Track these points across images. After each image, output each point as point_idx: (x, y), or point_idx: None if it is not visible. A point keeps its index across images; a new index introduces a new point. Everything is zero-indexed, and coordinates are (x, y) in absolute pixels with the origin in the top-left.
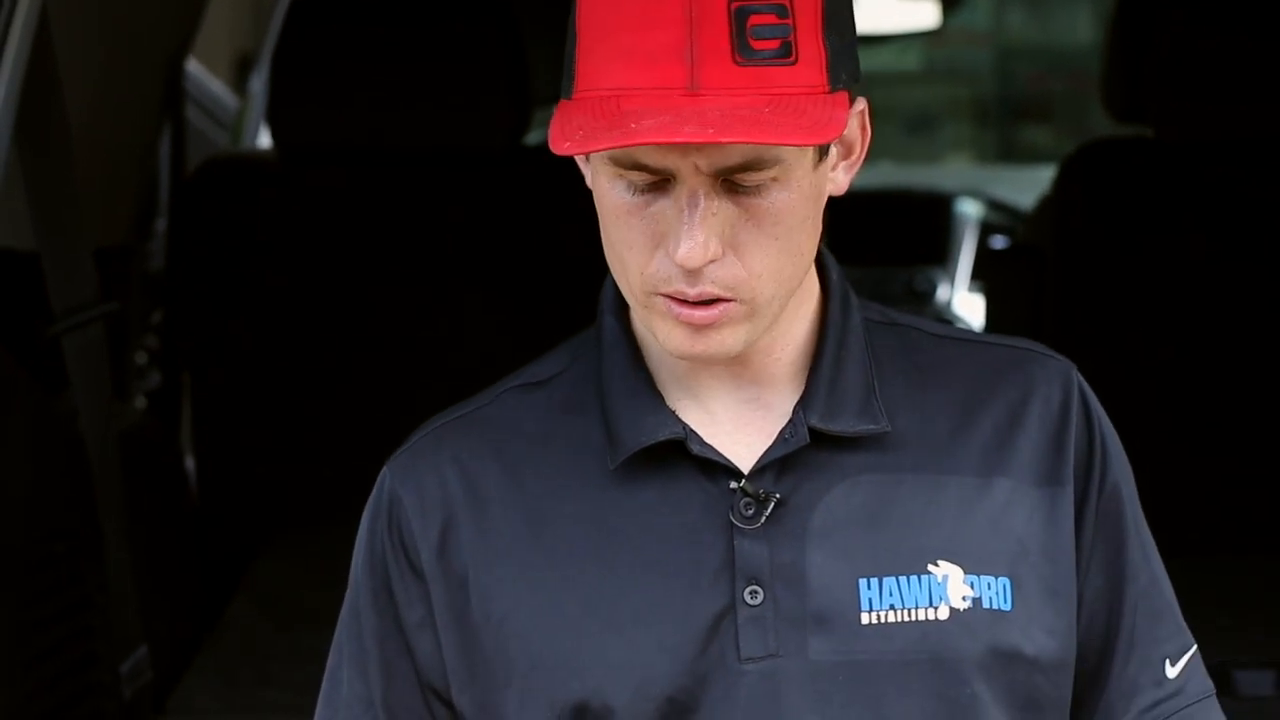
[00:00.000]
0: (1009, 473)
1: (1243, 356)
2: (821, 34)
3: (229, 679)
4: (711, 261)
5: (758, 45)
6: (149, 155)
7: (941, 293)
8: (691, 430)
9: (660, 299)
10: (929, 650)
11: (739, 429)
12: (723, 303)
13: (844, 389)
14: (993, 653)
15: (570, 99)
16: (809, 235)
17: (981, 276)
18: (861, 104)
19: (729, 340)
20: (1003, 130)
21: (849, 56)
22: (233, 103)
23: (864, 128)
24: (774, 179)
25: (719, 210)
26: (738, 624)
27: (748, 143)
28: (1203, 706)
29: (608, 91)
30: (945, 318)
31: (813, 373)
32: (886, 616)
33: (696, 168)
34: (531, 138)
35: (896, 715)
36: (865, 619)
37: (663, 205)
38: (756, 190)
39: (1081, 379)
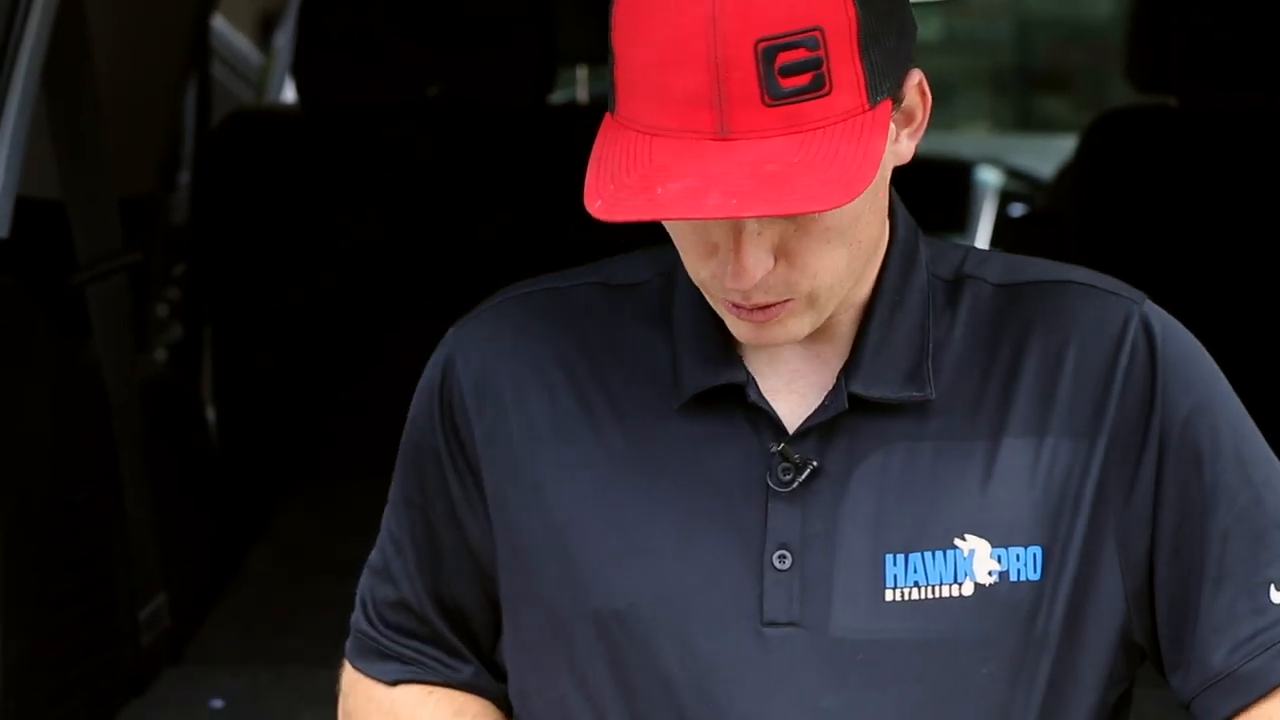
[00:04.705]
0: (1049, 429)
1: (1264, 324)
2: (858, 55)
3: (247, 628)
4: (765, 273)
5: (787, 83)
6: (174, 108)
7: None
8: (752, 377)
9: (720, 298)
10: (949, 629)
11: (796, 378)
12: (780, 304)
13: (893, 353)
14: (1014, 630)
15: (614, 116)
16: (869, 223)
17: (1001, 244)
18: (917, 76)
19: (793, 329)
20: (1021, 100)
21: (896, 57)
22: (256, 59)
23: (923, 94)
24: None
25: (765, 228)
26: (763, 586)
27: (772, 215)
28: None
29: (642, 129)
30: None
31: (859, 336)
32: (910, 594)
33: None
34: (557, 96)
35: (914, 697)
36: (889, 596)
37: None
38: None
39: (1149, 312)
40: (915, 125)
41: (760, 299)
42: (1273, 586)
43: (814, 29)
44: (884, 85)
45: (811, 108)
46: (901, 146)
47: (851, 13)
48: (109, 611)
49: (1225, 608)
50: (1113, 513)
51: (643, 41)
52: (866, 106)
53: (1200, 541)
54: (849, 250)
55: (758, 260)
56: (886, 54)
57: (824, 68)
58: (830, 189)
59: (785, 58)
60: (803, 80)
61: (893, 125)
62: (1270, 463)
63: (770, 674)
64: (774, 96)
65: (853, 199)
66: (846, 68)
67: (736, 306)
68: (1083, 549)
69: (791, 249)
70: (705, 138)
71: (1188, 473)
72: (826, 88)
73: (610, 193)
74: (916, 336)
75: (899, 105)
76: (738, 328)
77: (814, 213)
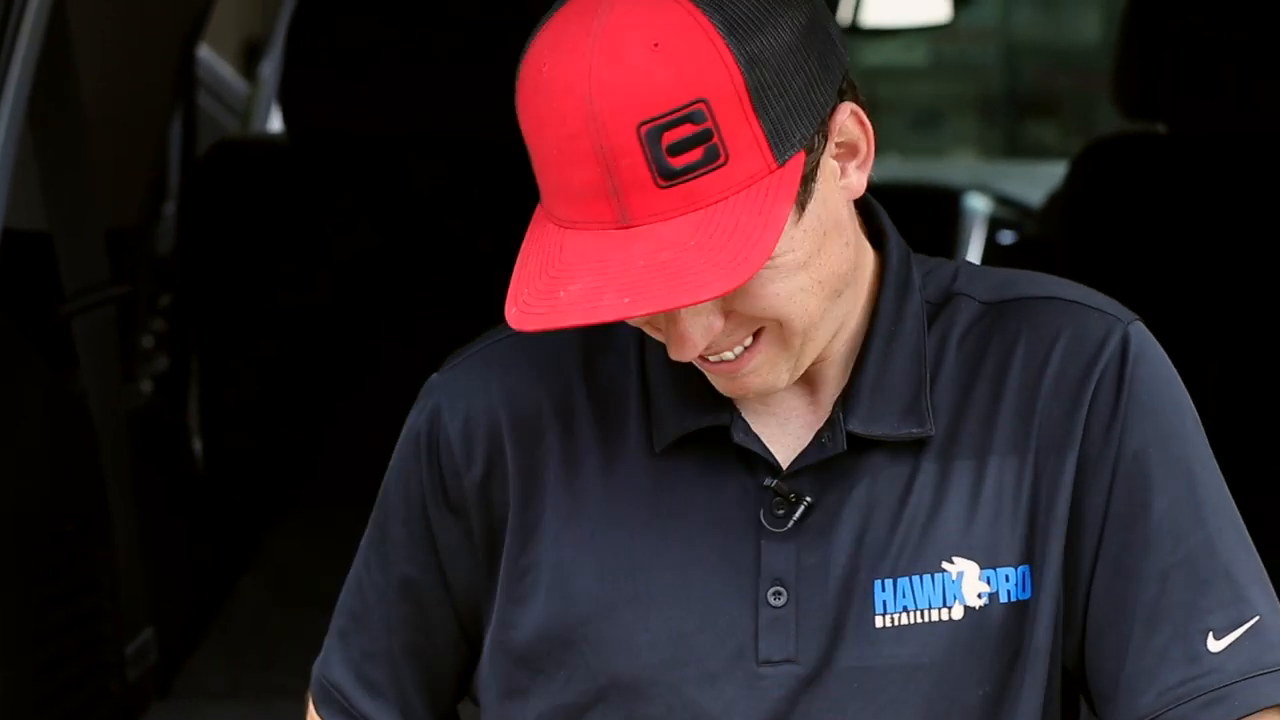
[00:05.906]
0: (1029, 446)
1: (1255, 352)
2: (754, 117)
3: (236, 661)
4: (714, 335)
5: (678, 161)
6: (161, 138)
7: None
8: (738, 416)
9: None
10: (941, 652)
11: (788, 409)
12: (751, 349)
13: (891, 386)
14: (1008, 651)
15: (541, 204)
16: (833, 256)
17: None
18: (848, 109)
19: (769, 378)
20: (1008, 126)
21: (808, 103)
22: (242, 88)
23: (862, 124)
24: None
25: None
26: (758, 625)
27: (663, 310)
28: (1248, 686)
29: (558, 221)
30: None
31: (857, 370)
32: (900, 619)
33: None
34: None
35: None
36: (879, 622)
37: None
38: None
39: (1132, 333)
40: (861, 157)
41: (726, 355)
42: (1211, 635)
43: (696, 102)
44: (794, 138)
45: (708, 181)
46: (851, 180)
47: (737, 77)
48: (96, 645)
49: (1157, 651)
50: (1075, 529)
51: (536, 139)
52: (773, 166)
53: (1136, 577)
54: (811, 285)
55: (700, 327)
56: (792, 105)
57: (715, 139)
58: (721, 272)
59: (671, 136)
60: (694, 156)
61: (834, 163)
62: (1229, 511)
63: (767, 712)
64: (667, 177)
65: (746, 279)
66: (741, 133)
67: (705, 361)
68: (1058, 564)
69: (734, 301)
70: (609, 227)
71: (1134, 504)
72: (722, 158)
73: (524, 298)
74: (914, 368)
75: (824, 148)
76: (716, 381)
77: (707, 300)
